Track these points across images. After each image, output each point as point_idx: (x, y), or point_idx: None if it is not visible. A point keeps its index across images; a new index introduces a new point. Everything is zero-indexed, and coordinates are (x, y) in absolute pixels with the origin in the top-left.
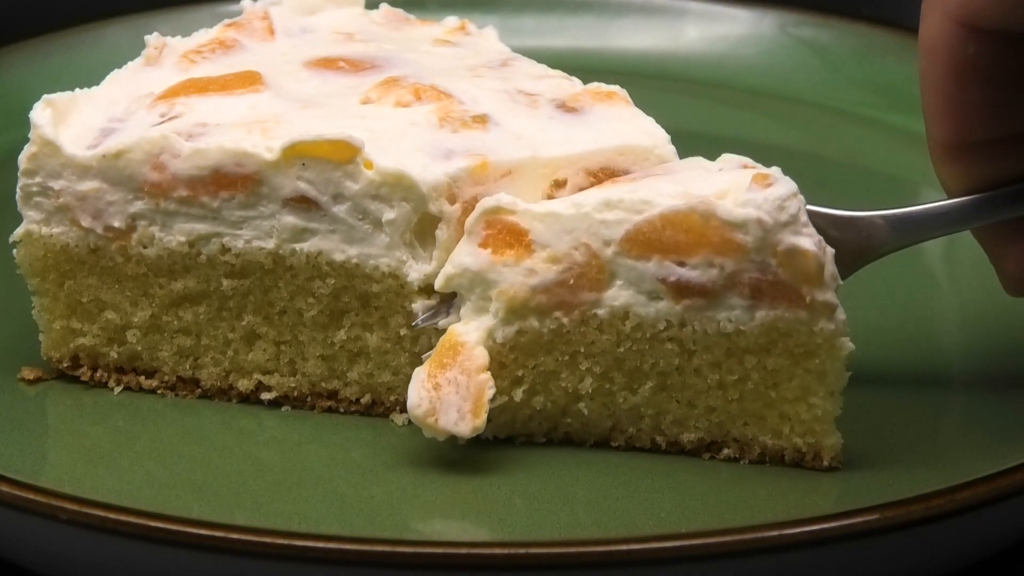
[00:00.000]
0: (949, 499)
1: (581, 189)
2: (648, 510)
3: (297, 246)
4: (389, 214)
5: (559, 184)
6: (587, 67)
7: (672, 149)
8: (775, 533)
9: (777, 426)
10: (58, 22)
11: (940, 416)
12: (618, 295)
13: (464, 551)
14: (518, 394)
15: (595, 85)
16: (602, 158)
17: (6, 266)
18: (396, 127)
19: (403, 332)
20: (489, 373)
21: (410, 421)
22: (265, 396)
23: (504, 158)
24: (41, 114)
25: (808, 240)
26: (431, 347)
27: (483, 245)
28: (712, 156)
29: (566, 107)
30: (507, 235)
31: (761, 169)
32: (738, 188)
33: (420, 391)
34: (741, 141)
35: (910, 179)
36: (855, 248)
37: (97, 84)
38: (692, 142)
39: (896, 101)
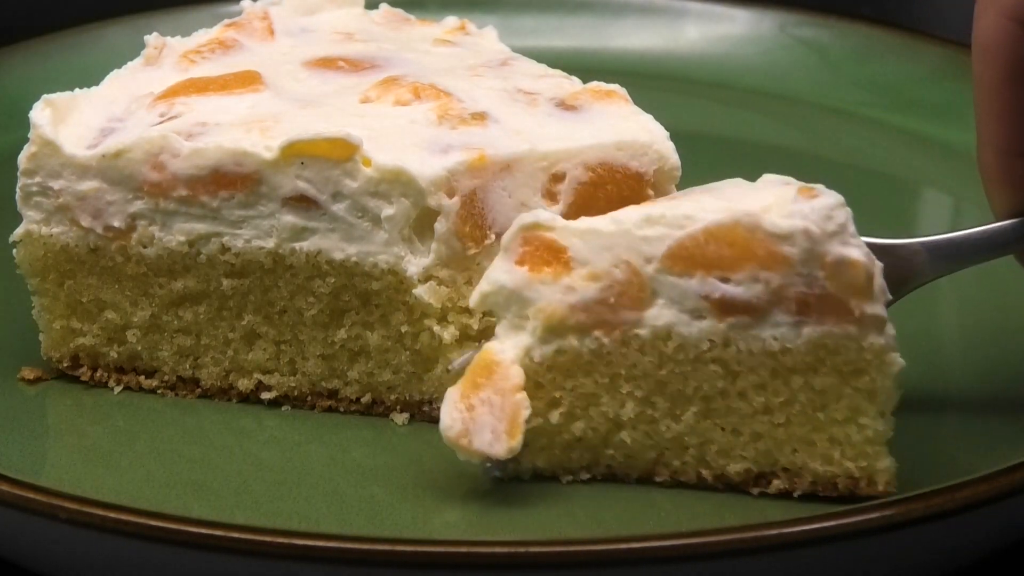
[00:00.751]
0: (949, 498)
1: (580, 183)
2: (648, 509)
3: (297, 245)
4: (388, 210)
5: (557, 178)
6: (587, 67)
7: (671, 145)
8: (775, 532)
9: (827, 451)
10: (58, 22)
11: (940, 416)
12: (660, 314)
13: (464, 550)
14: (555, 416)
15: (594, 84)
16: (601, 153)
17: (6, 266)
18: (395, 125)
19: (404, 329)
20: (525, 393)
21: (410, 421)
22: (265, 396)
23: (502, 152)
24: (41, 114)
25: (857, 250)
26: (432, 347)
27: (520, 262)
28: (713, 156)
29: (565, 105)
30: (545, 252)
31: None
32: (782, 201)
33: (452, 412)
34: (741, 141)
35: (910, 179)
36: (896, 277)
37: (97, 84)
38: (692, 142)
39: (896, 101)
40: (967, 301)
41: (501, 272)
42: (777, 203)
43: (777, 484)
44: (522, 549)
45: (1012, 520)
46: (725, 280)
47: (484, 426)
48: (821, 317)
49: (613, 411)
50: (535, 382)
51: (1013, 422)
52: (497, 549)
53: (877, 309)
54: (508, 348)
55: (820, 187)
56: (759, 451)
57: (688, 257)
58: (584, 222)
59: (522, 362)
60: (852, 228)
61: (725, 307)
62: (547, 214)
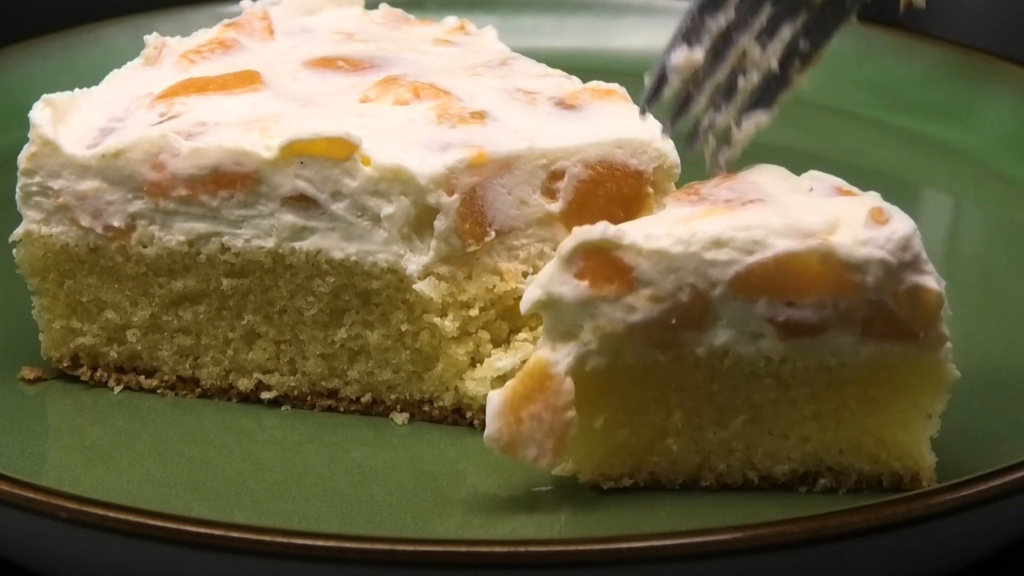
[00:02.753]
0: (949, 497)
1: (579, 181)
2: (648, 509)
3: (296, 245)
4: (388, 209)
5: (556, 176)
6: (587, 67)
7: (671, 143)
8: (774, 531)
9: (874, 452)
10: (58, 22)
11: (940, 415)
12: (719, 334)
13: (464, 549)
14: (599, 421)
15: (594, 83)
16: (600, 151)
17: (6, 266)
18: (395, 124)
19: (404, 328)
20: (574, 411)
21: (410, 421)
22: (265, 395)
23: (502, 150)
24: (41, 114)
25: (931, 279)
26: (432, 345)
27: (580, 276)
28: None
29: (565, 104)
30: (609, 269)
31: (872, 201)
32: (850, 222)
33: (500, 423)
34: None
35: (910, 179)
36: None
37: (97, 84)
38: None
39: (896, 101)
40: (967, 301)
41: (560, 283)
42: (844, 223)
43: (823, 483)
44: (522, 549)
45: (1013, 520)
46: (791, 304)
47: (531, 441)
48: (884, 337)
49: (660, 420)
50: (583, 387)
51: (1013, 422)
52: (497, 549)
53: (940, 329)
54: (561, 358)
55: (889, 208)
56: (806, 453)
57: (756, 284)
58: (652, 241)
59: (574, 371)
60: (925, 255)
61: (789, 329)
62: (613, 229)
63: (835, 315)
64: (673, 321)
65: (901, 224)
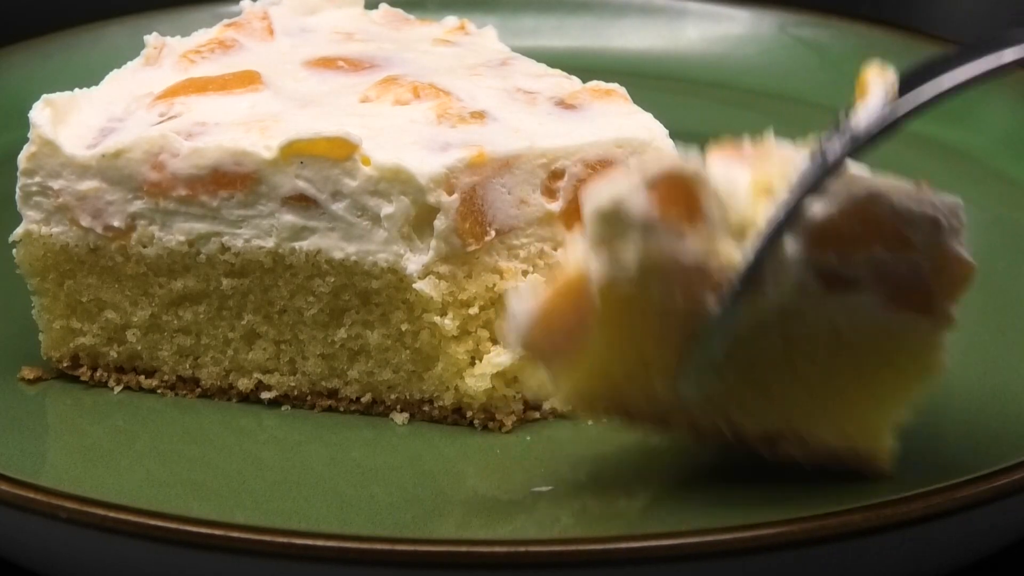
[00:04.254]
0: (949, 497)
1: (580, 181)
2: (648, 509)
3: (296, 245)
4: (388, 209)
5: (556, 175)
6: (587, 67)
7: (670, 143)
8: (774, 532)
9: (843, 426)
10: (58, 22)
11: (940, 415)
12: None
13: (464, 549)
14: (604, 349)
15: (594, 83)
16: (600, 150)
17: (6, 266)
18: (394, 124)
19: (404, 328)
20: (595, 331)
21: (410, 420)
22: (265, 395)
23: (501, 149)
24: (41, 114)
25: (968, 252)
26: (432, 344)
27: (654, 198)
28: None
29: (565, 104)
30: (683, 198)
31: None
32: (899, 187)
33: (535, 331)
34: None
35: (910, 179)
36: None
37: (97, 84)
38: (692, 142)
39: None
40: (967, 301)
41: (635, 198)
42: (894, 188)
43: (784, 447)
44: (522, 549)
45: (1012, 520)
46: (840, 254)
47: (555, 353)
48: (904, 305)
49: (652, 360)
50: (604, 313)
51: (1013, 422)
52: (497, 549)
53: (952, 309)
54: (598, 277)
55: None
56: (779, 413)
57: (813, 234)
58: (726, 186)
59: (603, 292)
60: (964, 232)
61: (830, 281)
62: (703, 169)
63: (873, 270)
64: (714, 271)
65: (950, 197)
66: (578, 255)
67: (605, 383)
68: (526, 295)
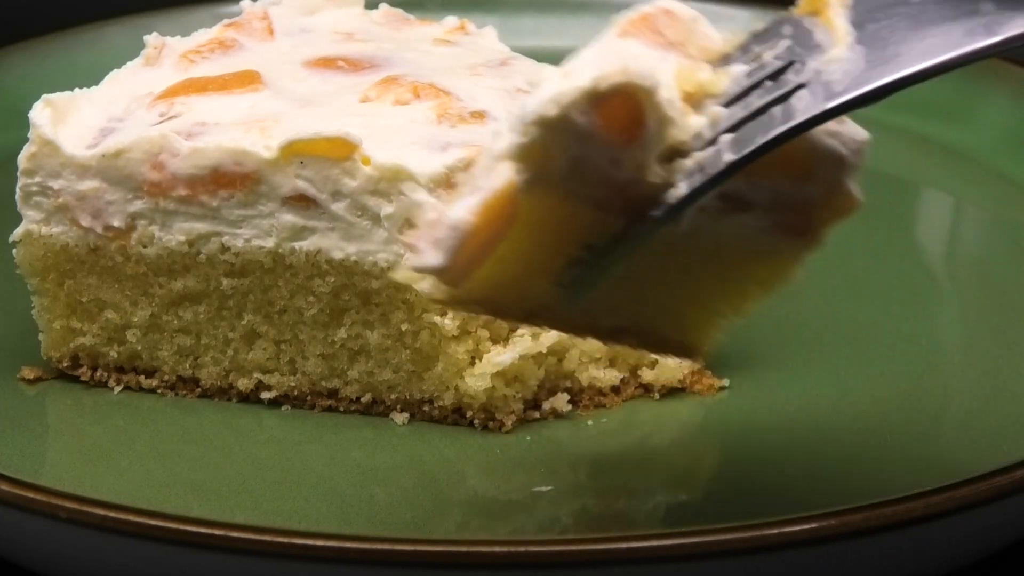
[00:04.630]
0: (949, 496)
1: None
2: (647, 509)
3: (296, 244)
4: (388, 208)
5: None
6: None
7: None
8: (775, 531)
9: (682, 321)
10: (58, 22)
11: (940, 415)
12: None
13: (464, 549)
14: (507, 253)
15: None
16: None
17: (6, 266)
18: (394, 124)
19: (404, 328)
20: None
21: (410, 420)
22: (265, 395)
23: None
24: (41, 114)
25: (858, 190)
26: (432, 344)
27: (599, 111)
28: None
29: None
30: (626, 117)
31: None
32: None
33: (457, 257)
34: None
35: (910, 179)
36: None
37: (97, 84)
38: None
39: (896, 101)
40: (967, 301)
41: (580, 111)
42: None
43: (627, 339)
44: (522, 549)
45: (1012, 520)
46: (749, 182)
47: (462, 263)
48: (786, 231)
49: (552, 267)
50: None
51: (1013, 422)
52: (497, 549)
53: (826, 235)
54: (523, 186)
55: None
56: (637, 312)
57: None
58: (673, 109)
59: (527, 200)
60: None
61: (731, 203)
62: (655, 88)
63: (770, 197)
64: (638, 184)
65: (859, 131)
66: (505, 164)
67: (487, 284)
68: (454, 210)
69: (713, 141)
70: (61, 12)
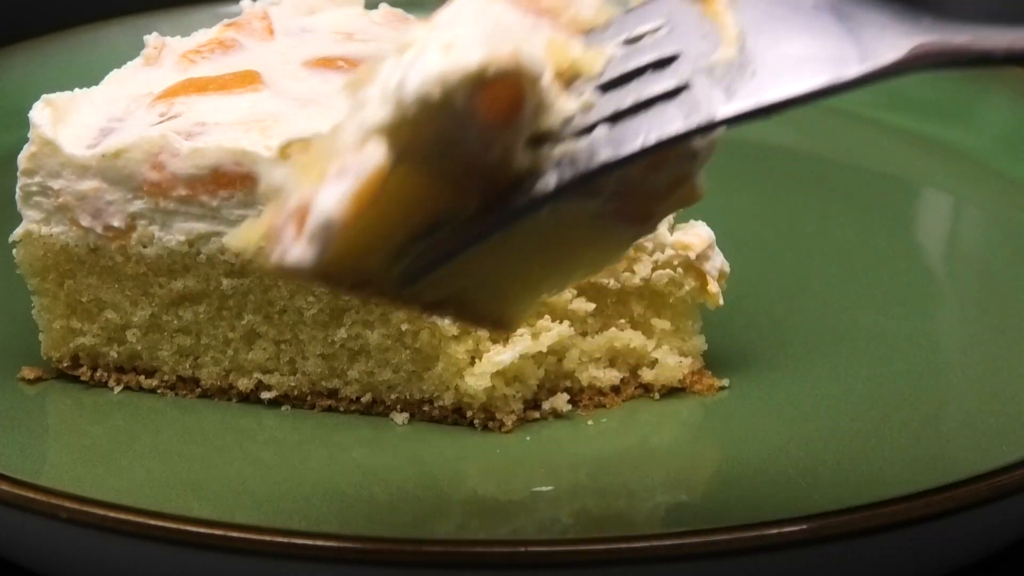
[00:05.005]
0: (949, 496)
1: None
2: (647, 509)
3: None
4: None
5: None
6: None
7: None
8: (775, 531)
9: (507, 300)
10: (58, 22)
11: (940, 415)
12: (546, 182)
13: (464, 549)
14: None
15: None
16: None
17: (6, 266)
18: None
19: (404, 328)
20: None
21: (410, 420)
22: (265, 395)
23: None
24: (40, 114)
25: (702, 182)
26: (432, 345)
27: (482, 95)
28: (713, 158)
29: None
30: (505, 100)
31: None
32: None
33: (332, 251)
34: (740, 141)
35: (910, 179)
36: None
37: (97, 84)
38: None
39: (896, 101)
40: (967, 301)
41: (464, 93)
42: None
43: (444, 311)
44: (522, 549)
45: (1012, 520)
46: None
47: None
48: (626, 218)
49: (373, 237)
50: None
51: (1013, 422)
52: (497, 549)
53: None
54: (391, 166)
55: None
56: (461, 287)
57: None
58: (551, 96)
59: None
60: None
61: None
62: (540, 75)
63: (618, 185)
64: (503, 173)
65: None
66: (375, 140)
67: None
68: (324, 198)
69: (586, 130)
70: (61, 12)
